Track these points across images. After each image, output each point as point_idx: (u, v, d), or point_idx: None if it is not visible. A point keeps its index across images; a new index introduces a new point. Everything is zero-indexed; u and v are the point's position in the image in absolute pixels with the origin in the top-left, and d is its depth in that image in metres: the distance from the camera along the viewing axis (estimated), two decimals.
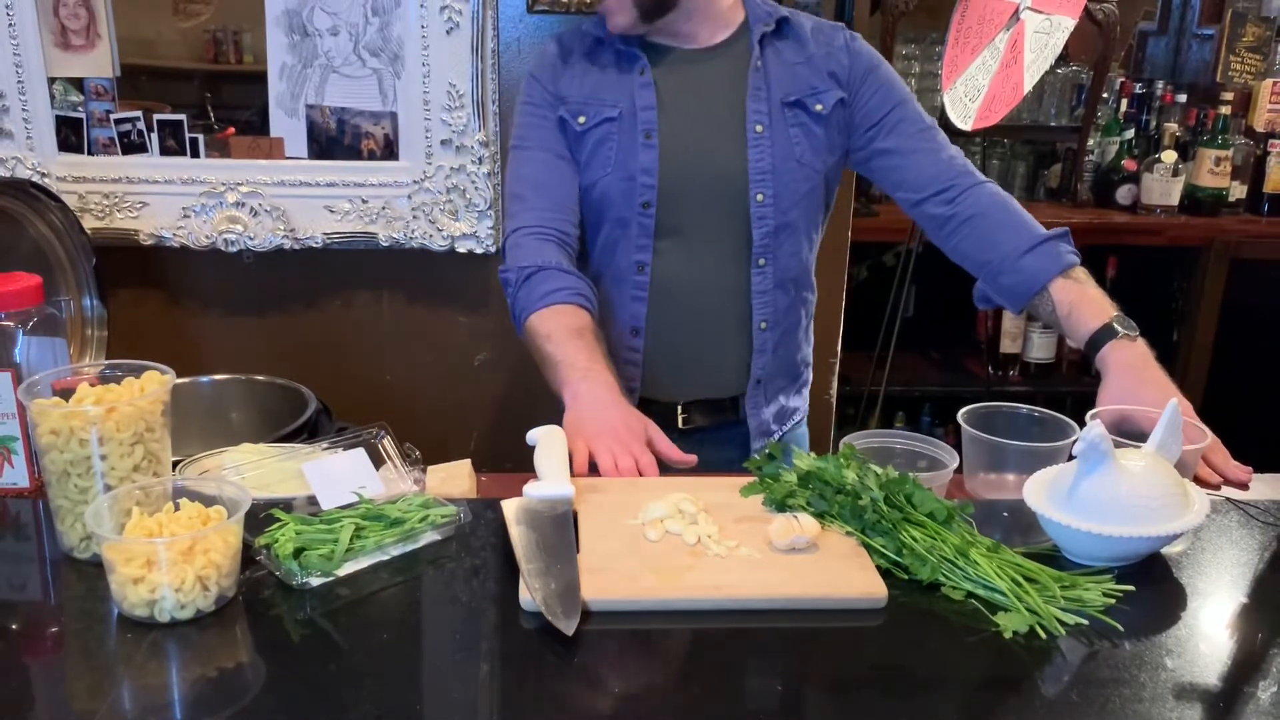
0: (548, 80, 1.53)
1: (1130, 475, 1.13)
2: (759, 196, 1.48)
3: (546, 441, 1.28)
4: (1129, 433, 1.29)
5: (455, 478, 1.30)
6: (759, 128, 1.48)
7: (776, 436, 1.65)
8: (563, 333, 1.41)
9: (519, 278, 1.48)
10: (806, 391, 1.71)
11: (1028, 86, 2.32)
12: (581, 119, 1.50)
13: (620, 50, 1.51)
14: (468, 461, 1.33)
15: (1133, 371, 1.35)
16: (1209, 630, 1.05)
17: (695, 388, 1.58)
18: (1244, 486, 1.32)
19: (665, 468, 1.56)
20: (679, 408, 1.58)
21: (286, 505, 1.16)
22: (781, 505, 1.22)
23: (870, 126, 1.54)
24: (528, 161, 1.53)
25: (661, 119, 1.49)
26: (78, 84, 2.04)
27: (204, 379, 1.81)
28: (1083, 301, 1.42)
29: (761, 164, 1.48)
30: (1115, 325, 1.38)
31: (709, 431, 1.59)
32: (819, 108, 1.50)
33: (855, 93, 1.53)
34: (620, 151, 1.48)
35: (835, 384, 2.43)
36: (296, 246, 2.15)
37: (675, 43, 1.52)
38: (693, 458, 1.33)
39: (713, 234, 1.52)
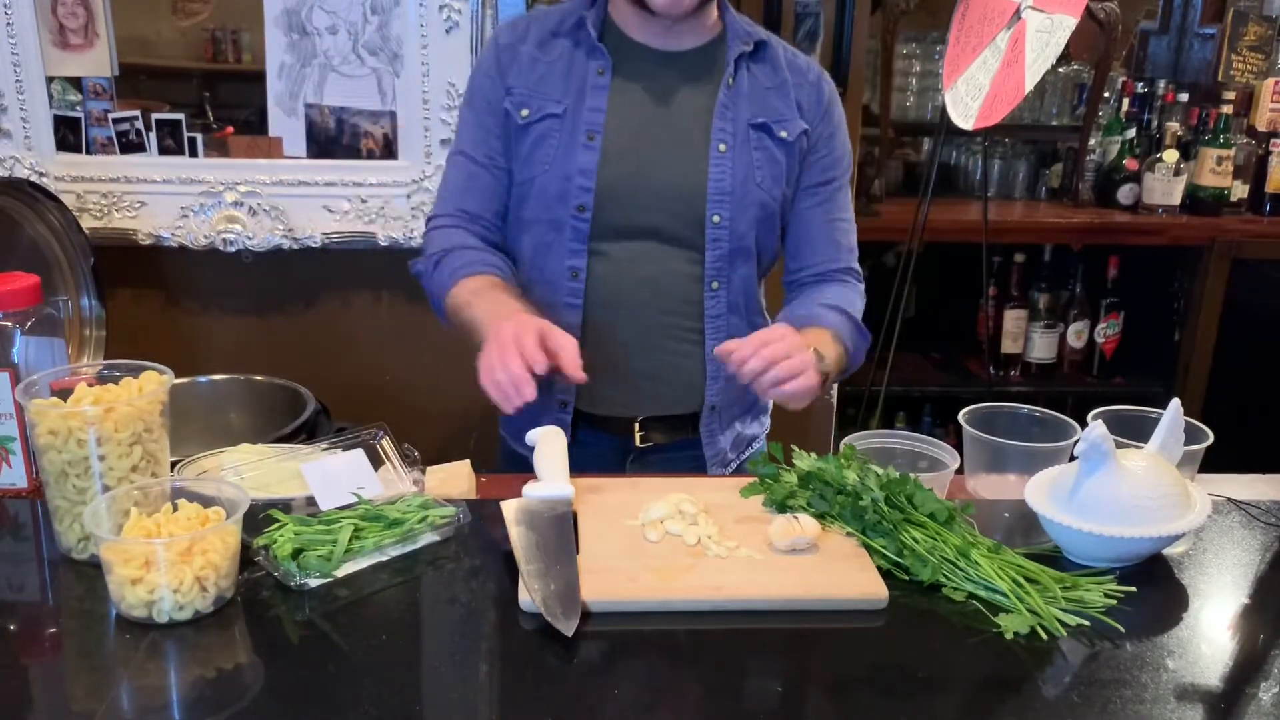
0: (494, 71, 1.47)
1: (1131, 476, 1.13)
2: (715, 218, 1.44)
3: (546, 442, 1.28)
4: None
5: (454, 478, 1.29)
6: (722, 147, 1.43)
7: (735, 465, 1.60)
8: (478, 294, 1.39)
9: (429, 267, 1.46)
10: (766, 418, 1.67)
11: (1029, 86, 2.32)
12: (525, 112, 1.44)
13: (581, 45, 1.45)
14: (467, 462, 1.33)
15: None
16: (1211, 631, 1.05)
17: (651, 404, 1.53)
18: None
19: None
20: (636, 425, 1.53)
21: (285, 506, 1.16)
22: (782, 506, 1.21)
23: (805, 184, 1.53)
24: (452, 167, 1.52)
25: (611, 121, 1.43)
26: (76, 83, 2.04)
27: (202, 379, 1.81)
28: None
29: (721, 184, 1.43)
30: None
31: (667, 450, 1.55)
32: (784, 134, 1.46)
33: (813, 136, 1.51)
34: (560, 150, 1.43)
35: (835, 384, 2.42)
36: (295, 246, 2.14)
37: (648, 40, 1.45)
38: (583, 376, 1.26)
39: (663, 246, 1.46)
